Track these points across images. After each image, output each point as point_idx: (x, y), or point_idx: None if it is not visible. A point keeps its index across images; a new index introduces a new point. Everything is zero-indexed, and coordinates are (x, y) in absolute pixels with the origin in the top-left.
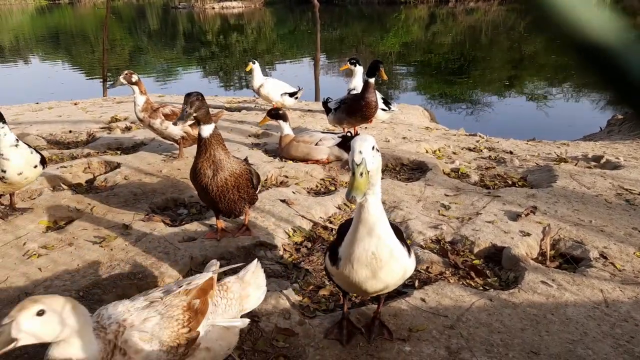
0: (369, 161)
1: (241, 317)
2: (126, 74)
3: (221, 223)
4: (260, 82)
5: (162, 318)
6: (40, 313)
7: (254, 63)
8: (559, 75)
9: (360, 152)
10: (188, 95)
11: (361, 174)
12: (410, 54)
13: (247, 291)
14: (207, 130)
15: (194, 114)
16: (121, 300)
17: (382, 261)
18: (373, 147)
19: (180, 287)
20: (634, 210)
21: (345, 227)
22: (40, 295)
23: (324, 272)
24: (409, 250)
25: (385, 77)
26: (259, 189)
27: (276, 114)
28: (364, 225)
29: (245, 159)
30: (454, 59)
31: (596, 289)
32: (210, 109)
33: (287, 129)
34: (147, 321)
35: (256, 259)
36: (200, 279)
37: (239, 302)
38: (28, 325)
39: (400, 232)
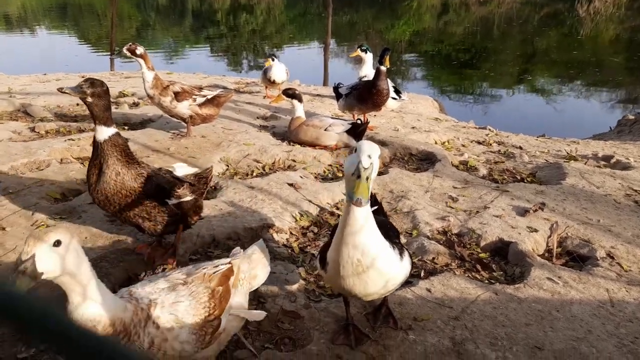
0: (376, 167)
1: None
2: (130, 45)
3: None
4: (281, 79)
5: (190, 304)
6: (57, 244)
7: (273, 60)
8: (571, 72)
9: (370, 156)
10: (92, 78)
11: (367, 178)
12: (420, 43)
13: (255, 271)
14: (102, 133)
15: (89, 98)
16: (142, 282)
17: (368, 269)
18: (378, 156)
19: (199, 269)
20: None
21: (336, 229)
22: (46, 229)
23: None
24: (401, 253)
25: (388, 64)
26: (197, 217)
27: (292, 93)
28: (350, 229)
29: (174, 179)
30: (465, 50)
31: (602, 288)
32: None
33: (299, 110)
34: (177, 304)
35: (260, 239)
36: (219, 266)
37: (249, 281)
38: (49, 258)
39: (396, 231)
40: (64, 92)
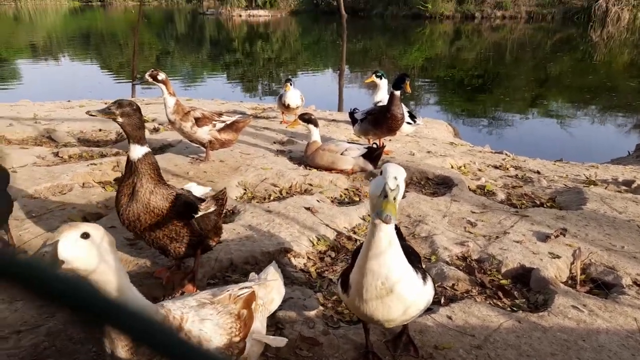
0: (402, 189)
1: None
2: (152, 71)
3: (176, 260)
4: (296, 104)
5: (217, 322)
6: (85, 236)
7: (291, 84)
8: (586, 97)
9: (396, 177)
10: (120, 99)
11: (395, 199)
12: (433, 68)
13: (271, 295)
14: (136, 152)
15: (120, 118)
16: (172, 299)
17: (393, 292)
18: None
19: (224, 291)
20: None
21: (358, 253)
22: (78, 222)
23: None
24: (424, 278)
25: (409, 89)
26: (217, 238)
27: (308, 118)
28: (374, 252)
29: (195, 197)
30: (478, 75)
31: (629, 317)
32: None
33: (316, 134)
34: (205, 322)
35: (273, 261)
36: (243, 289)
37: (266, 306)
38: (74, 247)
39: (417, 256)
40: (92, 115)
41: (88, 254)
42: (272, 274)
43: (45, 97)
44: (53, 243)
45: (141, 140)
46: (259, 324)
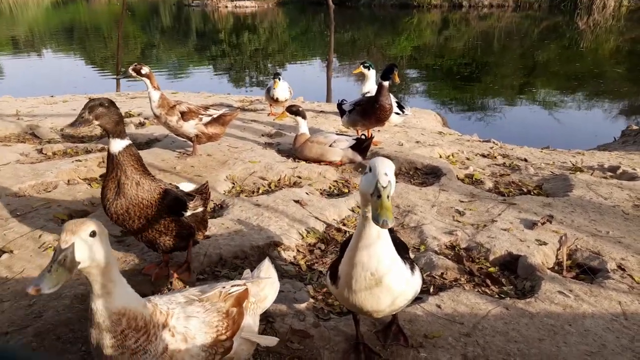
0: (394, 184)
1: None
2: (136, 65)
3: (167, 256)
4: (284, 97)
5: (203, 320)
6: (93, 234)
7: (279, 79)
8: (573, 84)
9: (386, 173)
10: (90, 101)
11: (388, 197)
12: (422, 57)
13: (264, 292)
14: (116, 145)
15: (96, 121)
16: (160, 295)
17: (382, 283)
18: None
19: (215, 288)
20: None
21: (347, 244)
22: (80, 219)
23: None
24: (412, 268)
25: (398, 79)
26: (205, 231)
27: (296, 110)
28: (364, 243)
29: (184, 193)
30: (466, 64)
31: (614, 300)
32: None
33: (303, 127)
34: (191, 319)
35: (267, 258)
36: (235, 287)
37: (258, 304)
38: (86, 247)
39: (405, 246)
40: (67, 132)
41: (98, 251)
42: (266, 270)
43: (28, 93)
44: (69, 247)
45: (121, 134)
46: (251, 322)
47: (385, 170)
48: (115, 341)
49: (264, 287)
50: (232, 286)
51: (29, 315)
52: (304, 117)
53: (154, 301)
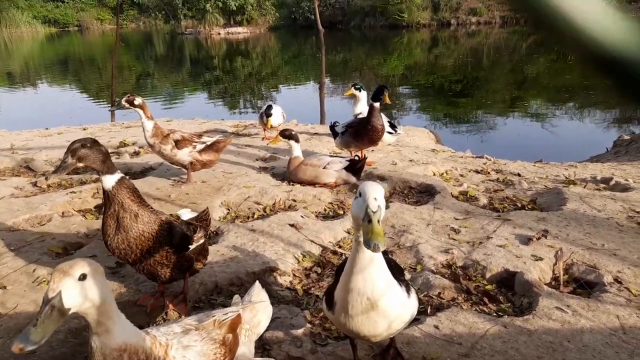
0: (383, 208)
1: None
2: (128, 97)
3: (163, 286)
4: (278, 123)
5: (201, 349)
6: (82, 277)
7: (272, 108)
8: (563, 96)
9: (376, 198)
10: (71, 144)
11: (379, 221)
12: (413, 76)
13: (257, 318)
14: (108, 181)
15: (79, 164)
16: (156, 326)
17: (378, 307)
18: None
19: (209, 317)
20: None
21: (342, 269)
22: (70, 261)
23: None
24: (408, 290)
25: (388, 100)
26: (205, 260)
27: (289, 135)
28: (359, 268)
29: (187, 224)
30: (457, 80)
31: (612, 314)
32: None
33: (297, 150)
34: (189, 349)
35: (257, 282)
36: (228, 313)
37: (252, 330)
38: (75, 292)
39: (400, 269)
40: (50, 180)
41: (89, 294)
42: (257, 294)
43: (23, 126)
44: (56, 295)
45: (110, 170)
46: (245, 349)
47: (375, 194)
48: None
49: (256, 313)
50: (224, 314)
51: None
52: (297, 140)
53: (152, 333)
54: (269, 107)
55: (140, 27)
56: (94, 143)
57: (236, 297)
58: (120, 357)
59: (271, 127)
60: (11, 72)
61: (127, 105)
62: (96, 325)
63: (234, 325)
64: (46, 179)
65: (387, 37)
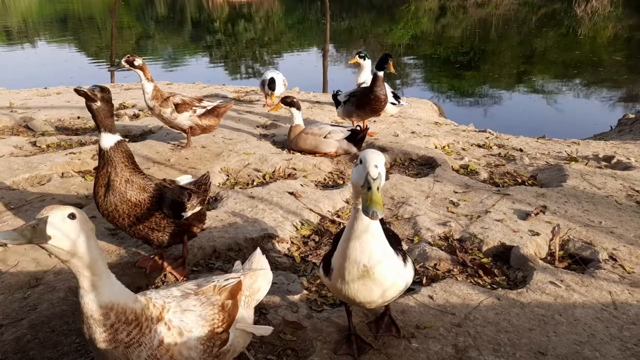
0: (384, 175)
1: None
2: (128, 57)
3: (161, 249)
4: (279, 91)
5: (200, 313)
6: (72, 216)
7: (275, 81)
8: (572, 72)
9: (376, 165)
10: (100, 85)
11: (378, 188)
12: (419, 46)
13: (257, 284)
14: (107, 140)
15: (98, 102)
16: (156, 289)
17: (374, 274)
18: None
19: (209, 282)
20: None
21: (340, 237)
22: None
23: None
24: (405, 260)
25: (393, 69)
26: (202, 225)
27: (291, 101)
28: (356, 235)
29: (181, 190)
30: (464, 52)
31: (605, 290)
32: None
33: (298, 118)
34: (188, 312)
35: (258, 248)
36: (229, 279)
37: (252, 296)
38: (61, 225)
39: (397, 238)
40: (80, 91)
41: (73, 234)
42: (257, 261)
43: (22, 84)
44: (42, 218)
45: (112, 129)
46: (245, 314)
47: (376, 162)
48: (107, 335)
49: (256, 279)
50: (225, 279)
51: (23, 308)
52: (298, 108)
53: (149, 295)
54: (272, 81)
55: None
56: (111, 97)
57: (237, 263)
58: (106, 315)
59: (272, 92)
60: (9, 29)
61: (126, 65)
62: (83, 280)
63: (234, 291)
64: (78, 90)
65: (394, 4)
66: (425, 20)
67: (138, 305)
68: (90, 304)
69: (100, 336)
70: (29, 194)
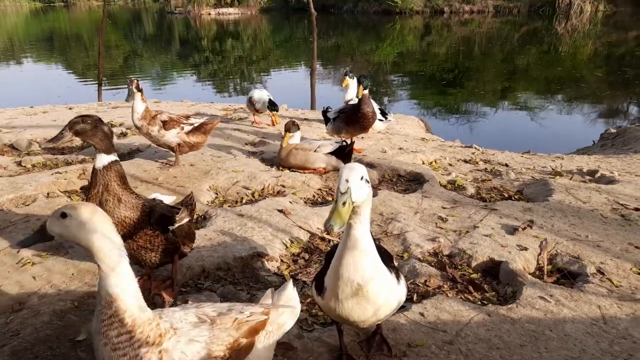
0: (354, 191)
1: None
2: (136, 84)
3: (149, 269)
4: (265, 109)
5: (203, 347)
6: (63, 215)
7: (276, 105)
8: (552, 88)
9: (347, 180)
10: (73, 118)
11: (344, 203)
12: (405, 64)
13: (282, 319)
14: (101, 160)
15: (76, 137)
16: (174, 308)
17: (367, 292)
18: (362, 177)
19: (232, 311)
20: (630, 225)
21: (332, 255)
22: (76, 202)
23: None
24: (397, 277)
25: (361, 94)
26: (191, 244)
27: (296, 125)
28: (350, 254)
29: (169, 207)
30: (449, 69)
31: (594, 305)
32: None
33: (297, 138)
34: (193, 343)
35: (290, 281)
36: (253, 314)
37: (275, 332)
38: (57, 225)
39: (390, 256)
40: (47, 148)
41: (70, 230)
42: (288, 296)
43: (7, 104)
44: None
45: (108, 150)
46: (263, 349)
47: (347, 176)
48: (102, 325)
49: (281, 314)
50: (249, 314)
51: (5, 333)
52: (299, 128)
53: (162, 315)
54: (272, 102)
55: (129, 5)
56: (97, 121)
57: (268, 292)
58: (108, 305)
59: (259, 110)
60: None
61: (135, 90)
62: (101, 265)
63: (255, 330)
64: (41, 147)
65: (379, 22)
66: (411, 38)
67: (140, 315)
68: (102, 287)
69: (97, 325)
70: (13, 215)
